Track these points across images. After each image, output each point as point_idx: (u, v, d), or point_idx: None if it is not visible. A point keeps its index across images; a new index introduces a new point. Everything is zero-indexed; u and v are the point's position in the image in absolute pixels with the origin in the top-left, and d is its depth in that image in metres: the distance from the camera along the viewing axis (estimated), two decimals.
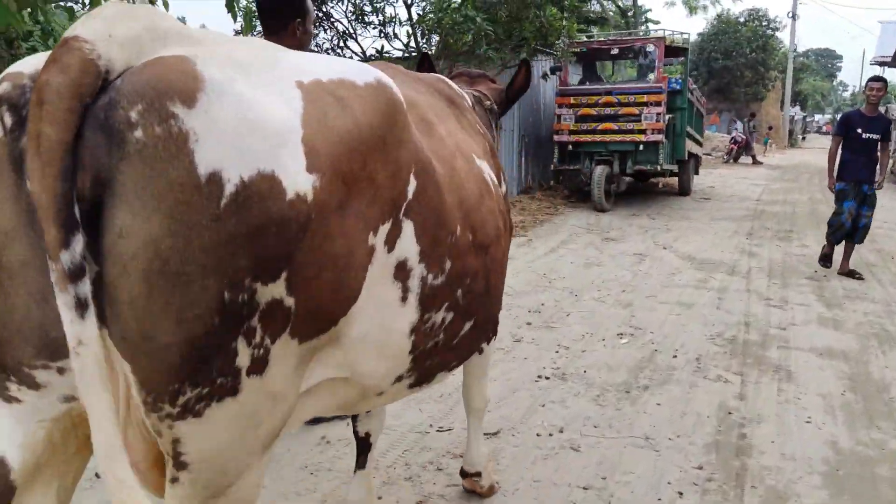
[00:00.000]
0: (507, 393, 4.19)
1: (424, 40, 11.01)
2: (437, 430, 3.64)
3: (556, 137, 12.58)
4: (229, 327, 1.16)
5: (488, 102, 2.82)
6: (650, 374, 4.55)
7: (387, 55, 11.38)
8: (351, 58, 11.80)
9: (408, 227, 1.52)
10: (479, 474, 2.89)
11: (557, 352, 4.95)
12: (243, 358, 1.20)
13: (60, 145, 1.04)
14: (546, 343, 5.13)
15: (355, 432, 2.55)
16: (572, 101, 12.42)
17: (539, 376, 4.46)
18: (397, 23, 10.97)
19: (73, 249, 1.04)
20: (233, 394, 1.21)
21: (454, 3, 9.65)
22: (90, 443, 1.20)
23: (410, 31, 10.83)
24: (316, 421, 3.59)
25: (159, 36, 1.18)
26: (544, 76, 12.21)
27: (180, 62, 1.13)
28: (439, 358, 1.83)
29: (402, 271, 1.54)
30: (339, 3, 11.33)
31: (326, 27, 11.68)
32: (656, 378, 4.48)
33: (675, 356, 4.89)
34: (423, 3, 10.82)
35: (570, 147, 12.53)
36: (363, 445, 2.54)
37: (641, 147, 11.99)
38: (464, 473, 2.92)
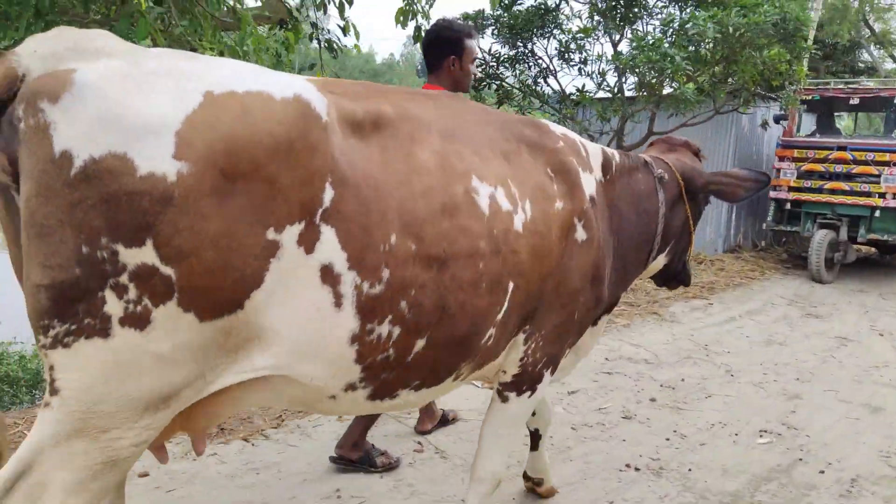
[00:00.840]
0: (578, 479, 3.52)
1: (623, 80, 10.37)
2: None
3: (772, 193, 11.11)
4: (91, 278, 1.42)
5: (660, 172, 2.79)
6: (776, 489, 3.58)
7: (588, 94, 10.91)
8: (549, 95, 11.58)
9: (328, 233, 1.64)
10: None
11: (668, 439, 4.12)
12: (113, 307, 1.44)
13: None
14: (660, 427, 4.31)
15: (528, 429, 3.15)
16: (796, 153, 10.91)
17: (627, 465, 3.71)
18: (602, 61, 10.47)
19: None
20: (103, 336, 1.44)
21: (654, 38, 8.93)
22: None
23: (612, 70, 10.27)
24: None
25: (81, 53, 1.47)
26: (763, 125, 10.88)
27: (62, 72, 1.43)
28: (395, 373, 1.90)
29: (329, 276, 1.66)
30: (543, 40, 11.15)
31: (531, 64, 11.52)
32: (782, 495, 3.51)
33: (822, 472, 3.82)
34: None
35: (789, 205, 10.99)
36: (534, 438, 3.19)
37: (878, 213, 10.14)
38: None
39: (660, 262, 2.94)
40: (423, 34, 7.55)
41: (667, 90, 9.83)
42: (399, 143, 1.89)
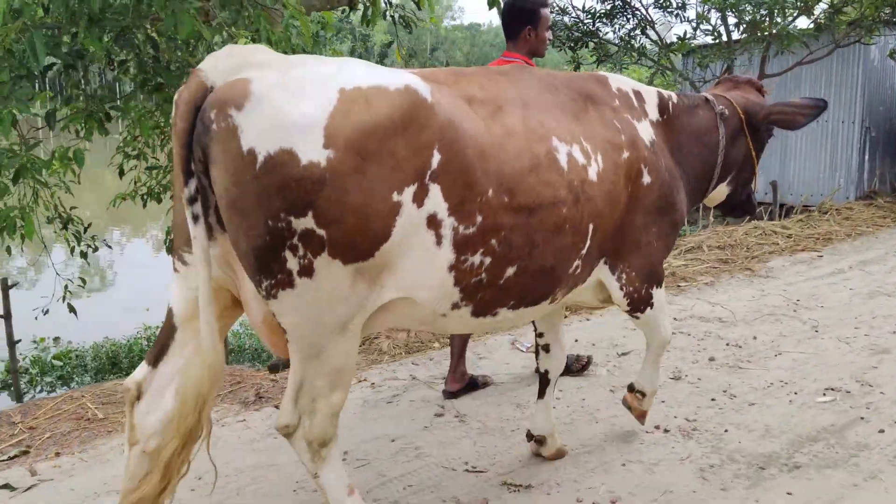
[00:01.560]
0: (597, 441, 3.43)
1: (725, 22, 9.64)
2: None
3: None
4: (277, 243, 1.89)
5: (720, 108, 3.05)
6: (822, 449, 3.31)
7: (688, 41, 10.28)
8: (646, 48, 10.97)
9: (434, 189, 2.05)
10: (643, 394, 3.28)
11: (714, 399, 3.90)
12: (292, 263, 1.93)
13: (183, 131, 1.89)
14: (709, 387, 4.08)
15: (537, 369, 3.22)
16: None
17: (657, 427, 3.56)
18: (699, 4, 9.80)
19: (190, 187, 1.92)
20: (291, 286, 1.96)
21: None
22: (226, 311, 2.28)
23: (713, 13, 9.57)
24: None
25: (248, 65, 1.93)
26: (892, 55, 9.76)
27: (241, 82, 1.86)
28: (490, 294, 2.30)
29: (433, 222, 2.08)
30: None
31: (628, 16, 11.00)
32: (824, 456, 3.24)
33: (882, 430, 3.47)
34: None
35: None
36: (543, 381, 3.19)
37: None
38: (631, 388, 3.31)
39: (722, 190, 3.22)
40: (500, 3, 7.60)
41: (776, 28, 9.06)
42: (492, 115, 2.27)
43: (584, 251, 2.49)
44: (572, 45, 11.59)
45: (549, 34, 3.76)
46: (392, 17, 8.18)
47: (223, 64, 1.94)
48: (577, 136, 2.46)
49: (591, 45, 11.52)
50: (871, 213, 9.92)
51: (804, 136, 11.75)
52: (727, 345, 4.79)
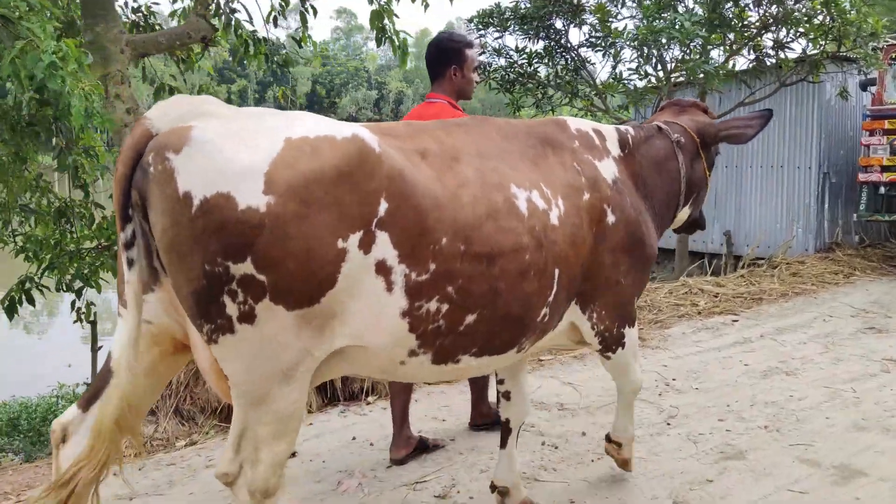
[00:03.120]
0: None
1: (652, 60, 8.85)
2: None
3: (861, 176, 9.05)
4: (215, 287, 1.88)
5: (676, 136, 3.07)
6: None
7: (625, 81, 9.50)
8: (583, 88, 10.18)
9: (382, 237, 2.06)
10: (620, 444, 3.29)
11: None
12: (231, 309, 1.91)
13: (122, 176, 1.92)
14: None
15: (498, 417, 3.24)
16: (888, 125, 8.80)
17: None
18: (621, 42, 9.06)
19: (126, 232, 1.95)
20: (231, 332, 1.93)
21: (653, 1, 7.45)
22: (168, 356, 2.23)
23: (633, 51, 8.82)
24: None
25: (196, 114, 1.96)
26: (842, 94, 8.88)
27: (183, 128, 1.90)
28: (450, 341, 2.28)
29: (382, 268, 2.07)
30: (573, 27, 9.88)
31: (564, 56, 10.29)
32: None
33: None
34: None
35: (884, 189, 8.87)
36: (505, 429, 3.06)
37: None
38: (608, 438, 3.32)
39: (684, 213, 3.24)
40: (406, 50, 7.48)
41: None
42: (446, 165, 2.29)
43: (550, 297, 2.46)
44: (508, 86, 10.94)
45: (475, 76, 3.71)
46: (266, 54, 7.56)
47: (170, 112, 1.96)
48: (537, 182, 2.48)
49: (529, 85, 10.85)
50: (824, 267, 8.94)
51: (759, 182, 10.86)
52: (542, 444, 3.85)
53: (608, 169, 2.75)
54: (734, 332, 6.19)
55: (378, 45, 7.92)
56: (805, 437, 3.89)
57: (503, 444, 3.03)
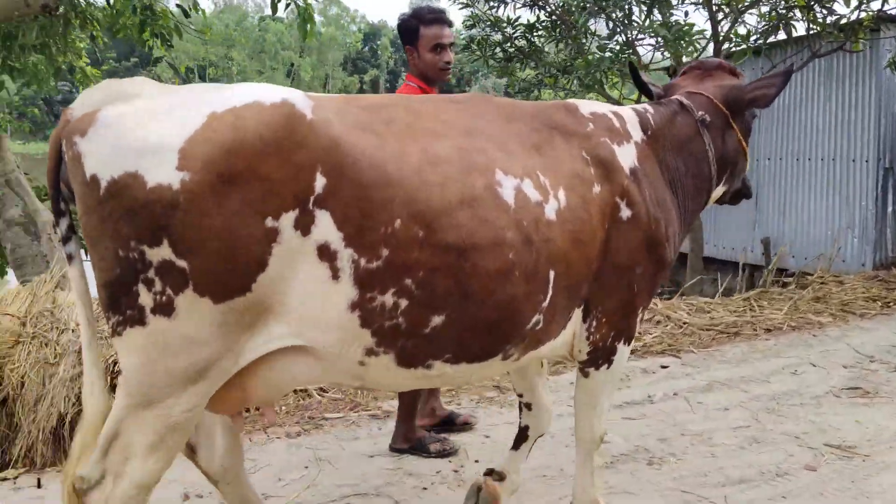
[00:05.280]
0: None
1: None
2: None
3: None
4: (129, 275, 1.76)
5: (700, 113, 2.66)
6: None
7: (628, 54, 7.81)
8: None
9: (323, 216, 1.85)
10: None
11: None
12: (146, 299, 1.77)
13: (50, 170, 1.87)
14: None
15: (519, 424, 2.89)
16: None
17: None
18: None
19: (61, 227, 1.91)
20: (141, 324, 1.78)
21: None
22: None
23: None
24: None
25: (113, 98, 1.85)
26: (891, 65, 6.74)
27: (90, 113, 1.80)
28: (415, 343, 2.02)
29: (326, 253, 1.87)
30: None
31: (572, 32, 8.77)
32: None
33: None
34: None
35: None
36: (520, 435, 2.87)
37: None
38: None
39: (718, 191, 2.86)
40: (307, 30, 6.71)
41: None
42: (416, 139, 2.02)
43: (545, 303, 2.15)
44: (505, 64, 9.50)
45: (437, 55, 3.36)
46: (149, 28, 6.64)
47: (92, 98, 1.86)
48: (533, 170, 2.17)
49: (532, 64, 9.38)
50: (864, 291, 6.89)
51: (806, 178, 8.73)
52: None
53: (627, 156, 2.41)
54: (643, 385, 4.52)
55: (273, 13, 6.82)
56: None
57: (515, 447, 2.86)
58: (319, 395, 4.19)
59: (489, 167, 2.07)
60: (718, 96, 2.73)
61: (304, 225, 1.82)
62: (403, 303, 1.94)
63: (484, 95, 2.44)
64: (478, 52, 9.45)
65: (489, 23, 9.34)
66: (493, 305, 2.04)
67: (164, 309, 1.76)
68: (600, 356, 2.46)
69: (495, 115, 2.26)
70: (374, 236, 1.88)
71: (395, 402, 4.15)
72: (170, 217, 1.71)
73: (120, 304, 1.77)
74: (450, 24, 3.46)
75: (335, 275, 1.87)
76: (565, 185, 2.21)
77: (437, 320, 1.99)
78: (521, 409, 2.89)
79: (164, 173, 1.72)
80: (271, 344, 1.89)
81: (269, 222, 1.78)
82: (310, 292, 1.86)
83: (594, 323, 2.38)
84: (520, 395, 2.85)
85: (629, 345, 2.54)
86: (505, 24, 9.12)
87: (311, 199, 1.82)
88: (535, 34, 9.17)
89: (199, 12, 7.44)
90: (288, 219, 1.80)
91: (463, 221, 1.97)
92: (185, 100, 1.84)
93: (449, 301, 1.99)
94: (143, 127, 1.75)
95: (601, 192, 2.28)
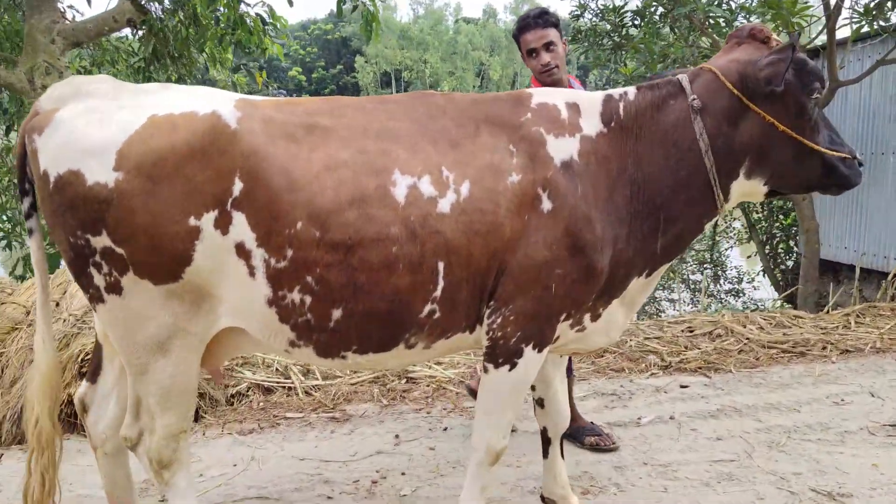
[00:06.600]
0: None
1: None
2: None
3: None
4: (81, 259, 2.04)
5: (693, 97, 2.34)
6: None
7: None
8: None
9: (239, 218, 2.05)
10: None
11: None
12: (98, 280, 2.05)
13: (17, 155, 2.11)
14: None
15: (540, 428, 2.82)
16: None
17: None
18: None
19: (24, 204, 2.15)
20: (101, 301, 2.08)
21: None
22: None
23: None
24: None
25: (79, 94, 2.09)
26: None
27: (49, 112, 2.06)
28: (326, 337, 2.19)
29: (242, 252, 2.07)
30: None
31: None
32: None
33: None
34: None
35: None
36: (543, 438, 2.82)
37: None
38: None
39: (748, 187, 2.42)
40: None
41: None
42: (326, 145, 2.16)
43: (436, 293, 2.19)
44: (611, 54, 9.02)
45: (541, 58, 3.32)
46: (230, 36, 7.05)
47: (58, 93, 2.11)
48: (437, 166, 2.22)
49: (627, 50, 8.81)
50: None
51: (890, 175, 7.47)
52: None
53: (563, 148, 2.29)
54: (641, 405, 4.03)
55: (339, 16, 6.94)
56: None
57: (545, 454, 2.83)
58: (287, 395, 4.19)
59: (386, 168, 2.16)
60: (733, 73, 2.35)
61: (223, 224, 2.04)
62: (308, 299, 2.13)
63: (423, 93, 2.44)
64: (584, 44, 9.03)
65: (596, 13, 8.90)
66: (381, 296, 2.15)
67: (115, 288, 2.06)
68: (500, 354, 2.32)
69: (421, 114, 2.30)
70: (280, 238, 2.06)
71: (362, 406, 4.06)
72: (104, 212, 1.98)
73: (83, 283, 2.09)
74: (546, 25, 3.36)
75: (251, 272, 2.09)
76: (473, 177, 2.21)
77: (336, 314, 2.15)
78: (535, 409, 2.84)
79: (102, 173, 1.98)
80: (221, 323, 2.16)
81: (192, 221, 2.02)
82: (235, 286, 2.10)
83: (499, 319, 2.27)
84: (532, 389, 2.73)
85: (540, 352, 2.34)
86: (610, 13, 8.61)
87: (230, 201, 2.04)
88: (642, 22, 8.58)
89: (280, 22, 7.75)
90: (209, 218, 2.03)
91: (351, 220, 2.09)
92: (132, 103, 2.09)
93: (344, 294, 2.13)
94: (89, 128, 2.01)
95: (520, 182, 2.22)
